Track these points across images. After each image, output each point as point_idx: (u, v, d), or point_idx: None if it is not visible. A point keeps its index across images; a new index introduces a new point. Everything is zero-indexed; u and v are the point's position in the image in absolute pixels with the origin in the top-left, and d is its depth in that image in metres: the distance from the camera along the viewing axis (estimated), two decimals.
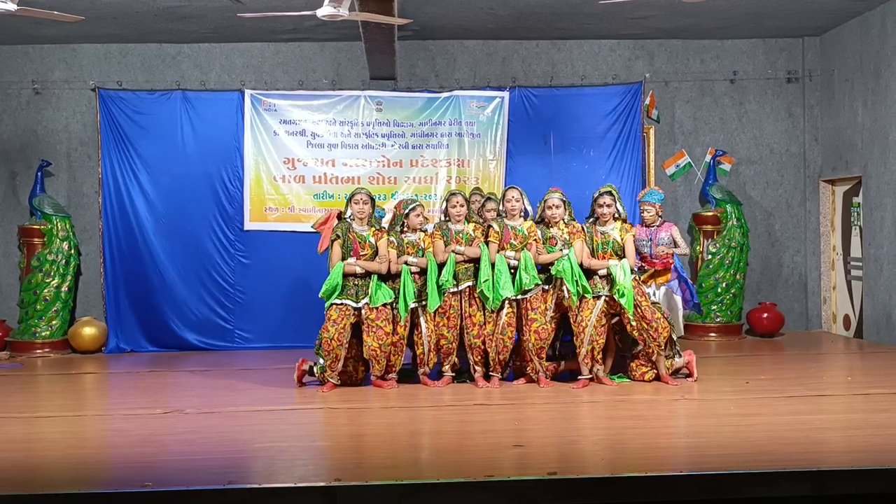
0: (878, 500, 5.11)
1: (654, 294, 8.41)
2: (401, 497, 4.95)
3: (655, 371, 8.06)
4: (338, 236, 7.98)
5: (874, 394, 7.53)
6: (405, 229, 8.17)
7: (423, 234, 8.16)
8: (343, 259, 7.93)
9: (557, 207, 8.09)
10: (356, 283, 7.90)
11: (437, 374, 8.23)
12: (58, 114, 11.11)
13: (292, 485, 5.02)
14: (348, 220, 8.08)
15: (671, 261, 8.50)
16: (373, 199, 8.16)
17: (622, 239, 7.99)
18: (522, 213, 8.16)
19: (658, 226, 8.56)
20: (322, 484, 5.04)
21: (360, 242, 7.94)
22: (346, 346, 7.89)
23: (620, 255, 7.96)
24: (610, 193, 8.08)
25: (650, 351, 7.94)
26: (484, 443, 6.09)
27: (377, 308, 7.84)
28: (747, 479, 5.07)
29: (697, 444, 5.90)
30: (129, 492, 4.91)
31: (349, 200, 8.12)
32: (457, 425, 6.73)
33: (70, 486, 5.05)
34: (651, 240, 8.46)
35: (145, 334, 10.73)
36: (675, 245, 8.49)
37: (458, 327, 8.05)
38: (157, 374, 9.26)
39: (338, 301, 7.85)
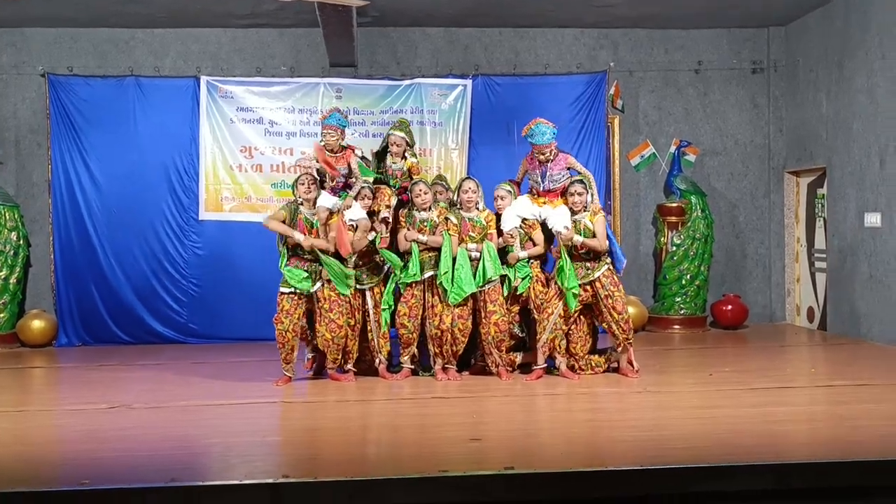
0: (841, 492, 5.01)
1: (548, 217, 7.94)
2: (351, 493, 4.76)
3: (608, 363, 8.02)
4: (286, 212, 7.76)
5: (837, 386, 7.50)
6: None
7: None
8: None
9: (503, 199, 7.98)
10: (308, 268, 7.68)
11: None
12: (6, 100, 10.76)
13: (237, 482, 4.81)
14: (297, 200, 7.83)
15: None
16: (318, 181, 7.92)
17: (593, 223, 7.80)
18: (478, 204, 7.99)
19: (552, 160, 8.02)
20: (270, 481, 4.83)
21: (306, 226, 7.72)
22: (300, 335, 7.75)
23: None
24: (581, 182, 7.88)
25: (618, 343, 7.82)
26: (440, 437, 5.94)
27: (330, 298, 7.64)
28: (710, 472, 4.95)
29: (659, 437, 5.77)
30: (63, 490, 4.70)
31: (294, 185, 7.89)
32: (414, 419, 6.58)
33: (7, 485, 4.80)
34: (543, 177, 8.00)
35: (96, 328, 10.42)
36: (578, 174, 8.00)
37: (419, 317, 7.87)
38: (107, 368, 8.96)
39: (287, 290, 7.64)
